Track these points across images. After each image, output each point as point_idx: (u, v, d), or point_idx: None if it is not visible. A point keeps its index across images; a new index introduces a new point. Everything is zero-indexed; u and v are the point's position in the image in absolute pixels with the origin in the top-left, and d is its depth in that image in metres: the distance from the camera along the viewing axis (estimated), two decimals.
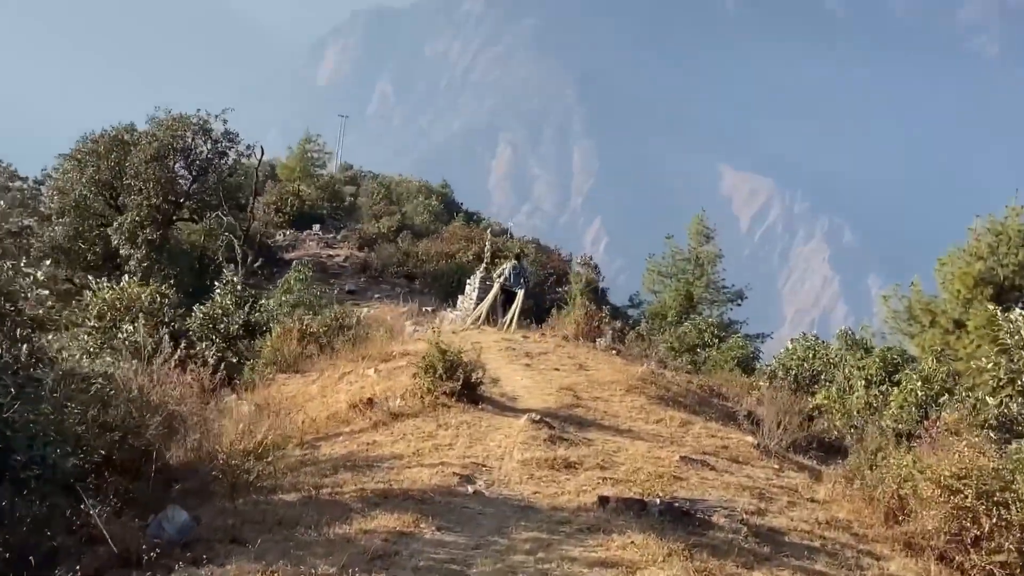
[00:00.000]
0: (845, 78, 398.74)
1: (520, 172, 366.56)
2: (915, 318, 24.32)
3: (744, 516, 8.74)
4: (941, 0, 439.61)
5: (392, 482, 8.98)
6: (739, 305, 41.89)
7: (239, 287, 20.06)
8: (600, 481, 9.44)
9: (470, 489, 8.99)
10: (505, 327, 20.41)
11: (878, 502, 9.88)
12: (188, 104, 35.88)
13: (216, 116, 34.70)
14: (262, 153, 35.72)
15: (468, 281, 30.89)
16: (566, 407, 12.70)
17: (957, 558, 9.32)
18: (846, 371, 21.25)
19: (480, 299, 29.69)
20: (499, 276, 24.28)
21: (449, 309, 31.48)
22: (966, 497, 9.41)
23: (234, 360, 17.73)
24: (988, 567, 9.17)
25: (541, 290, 37.15)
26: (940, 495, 9.52)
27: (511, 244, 41.65)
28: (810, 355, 23.15)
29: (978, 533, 9.33)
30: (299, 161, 57.89)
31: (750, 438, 12.48)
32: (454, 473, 9.31)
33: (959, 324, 23.40)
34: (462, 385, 12.02)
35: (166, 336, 14.24)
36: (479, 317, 22.57)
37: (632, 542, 7.68)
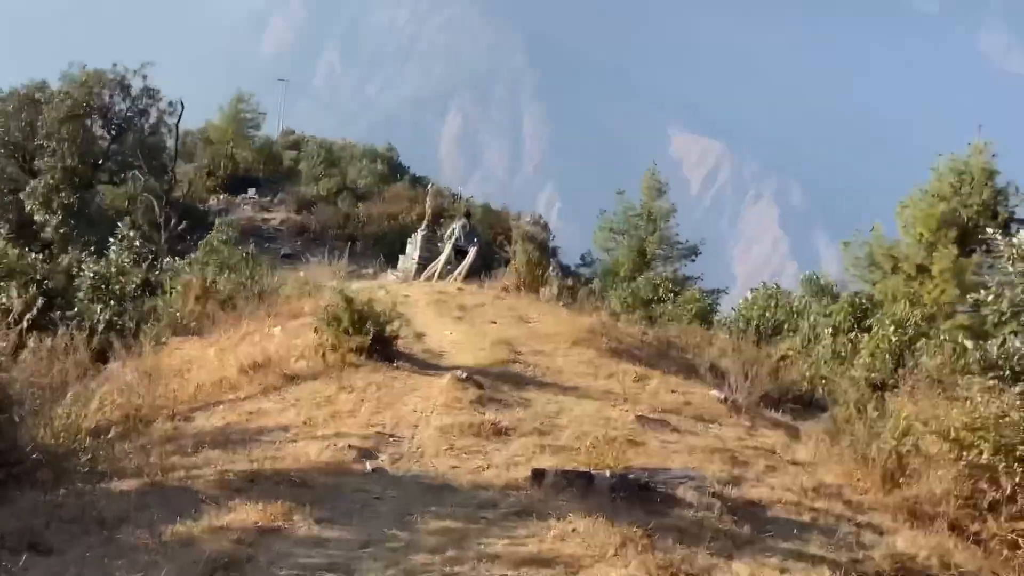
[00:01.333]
0: (792, 42, 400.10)
1: (471, 139, 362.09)
2: (876, 264, 22.93)
3: (716, 487, 6.89)
4: None
5: (267, 461, 6.93)
6: (693, 261, 40.47)
7: (136, 243, 17.67)
8: (537, 450, 7.52)
9: (369, 466, 6.99)
10: (456, 281, 18.97)
11: (873, 463, 8.12)
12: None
13: (135, 72, 32.18)
14: (182, 108, 32.94)
15: (409, 240, 28.87)
16: (501, 363, 10.76)
17: (971, 527, 7.64)
18: (811, 319, 19.68)
19: (423, 258, 27.86)
20: (450, 236, 23.24)
21: (390, 271, 29.52)
22: (981, 453, 7.70)
23: (131, 324, 15.51)
24: (1010, 536, 7.49)
25: (490, 250, 35.42)
26: (950, 451, 7.80)
27: (458, 205, 39.59)
28: (772, 304, 21.61)
29: (997, 496, 7.64)
30: (231, 123, 54.64)
31: (715, 392, 10.66)
32: (351, 446, 7.30)
33: (922, 269, 22.08)
34: (373, 340, 9.99)
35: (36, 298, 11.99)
36: (431, 276, 21.35)
37: (574, 529, 5.78)
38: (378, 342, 10.05)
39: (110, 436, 7.21)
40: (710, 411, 10.02)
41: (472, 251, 20.60)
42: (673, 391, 10.54)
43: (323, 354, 9.93)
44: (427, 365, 10.39)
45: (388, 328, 10.27)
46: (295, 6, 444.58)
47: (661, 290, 28.34)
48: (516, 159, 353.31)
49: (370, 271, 31.62)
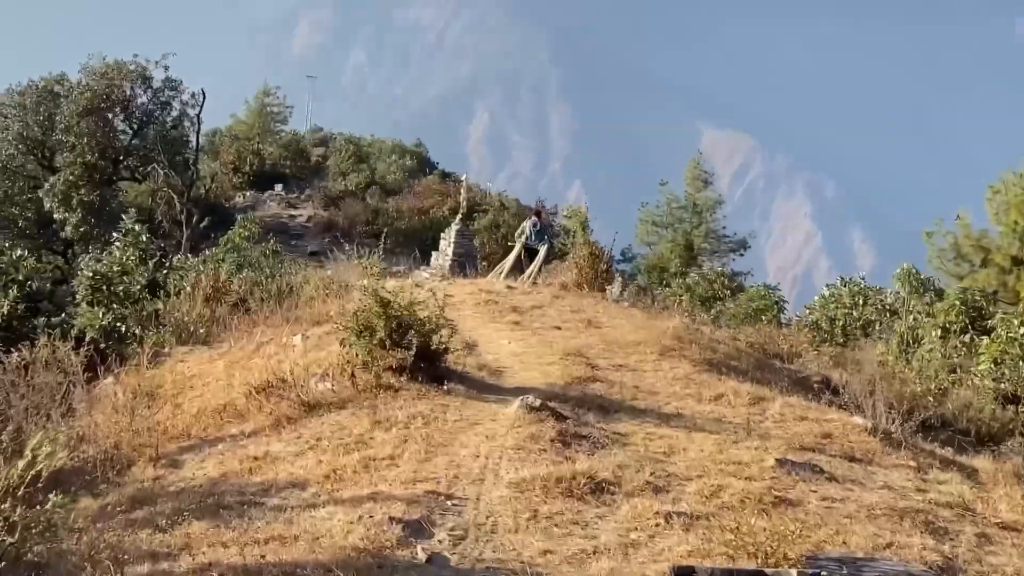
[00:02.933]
0: (821, 35, 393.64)
1: (498, 137, 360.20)
2: (963, 256, 20.37)
3: None
4: None
5: (270, 545, 4.64)
6: (742, 255, 37.88)
7: (143, 237, 15.50)
8: (658, 521, 5.16)
9: (421, 552, 4.68)
10: (525, 283, 16.99)
11: None
12: None
13: (156, 62, 30.53)
14: (203, 98, 30.97)
15: (443, 235, 26.63)
16: (578, 382, 8.41)
17: None
18: (911, 319, 17.00)
19: (457, 254, 25.78)
20: (520, 235, 21.63)
21: (422, 268, 27.35)
22: None
23: (135, 330, 13.39)
24: None
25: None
26: None
27: (490, 199, 37.40)
28: (859, 301, 18.98)
29: None
30: (257, 117, 52.80)
31: (858, 419, 8.24)
32: (392, 518, 4.99)
33: (1018, 261, 19.49)
34: (417, 355, 7.68)
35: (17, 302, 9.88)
36: (501, 274, 19.63)
37: None
38: (423, 357, 7.75)
39: (55, 501, 4.97)
40: (859, 446, 7.61)
41: (543, 250, 18.65)
42: (802, 418, 8.13)
43: (352, 374, 7.64)
44: (486, 387, 8.06)
45: (435, 339, 7.97)
46: (323, 8, 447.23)
47: (717, 287, 25.84)
48: (543, 156, 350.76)
49: (401, 269, 29.53)
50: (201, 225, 29.98)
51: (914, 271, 18.17)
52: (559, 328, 10.78)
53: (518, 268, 17.84)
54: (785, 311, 23.98)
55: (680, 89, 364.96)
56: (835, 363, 11.60)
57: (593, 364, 9.07)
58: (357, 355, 7.74)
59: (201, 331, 11.90)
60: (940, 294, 17.45)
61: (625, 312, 11.95)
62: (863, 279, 19.97)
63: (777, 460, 6.58)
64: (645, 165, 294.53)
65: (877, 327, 18.13)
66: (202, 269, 16.25)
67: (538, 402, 7.08)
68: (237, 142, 48.94)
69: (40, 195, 27.86)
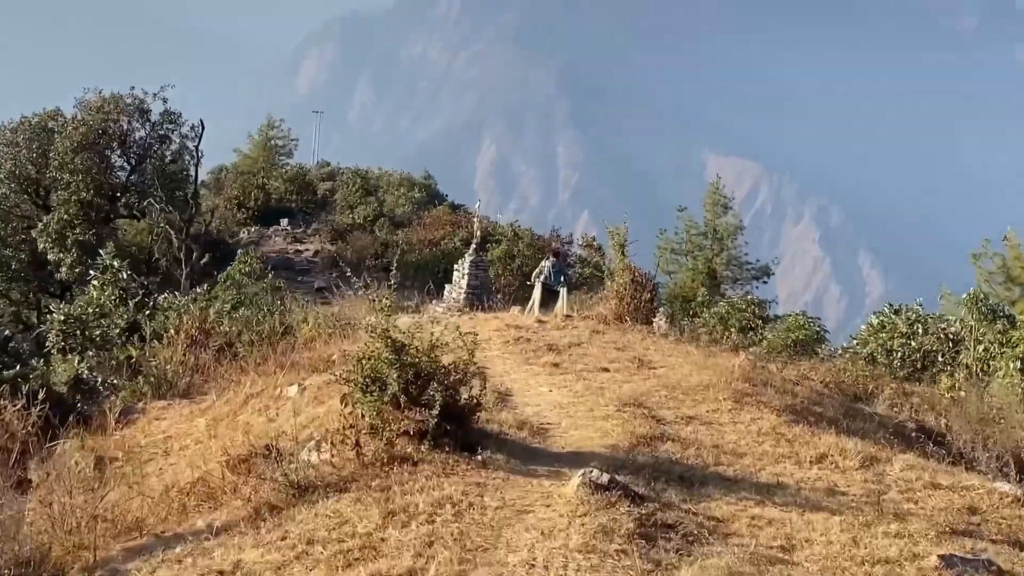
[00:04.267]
0: (825, 63, 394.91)
1: (506, 169, 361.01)
2: (1014, 279, 18.61)
3: None
4: None
5: None
6: (765, 283, 36.07)
7: (124, 274, 13.84)
8: None
9: None
10: (558, 317, 15.80)
11: None
12: None
13: (155, 95, 29.54)
14: (202, 128, 29.60)
15: (456, 267, 25.02)
16: (644, 442, 6.59)
17: None
18: (981, 349, 15.15)
19: (472, 287, 24.28)
20: (538, 275, 20.93)
21: (435, 302, 25.68)
22: None
23: (112, 380, 11.68)
24: None
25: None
26: None
27: (502, 229, 35.86)
28: (918, 330, 17.10)
29: None
30: (262, 150, 51.55)
31: (1003, 486, 6.41)
32: None
33: None
34: (441, 415, 5.87)
35: None
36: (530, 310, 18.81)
37: None
38: (448, 417, 5.94)
39: None
40: (1018, 524, 5.78)
41: (563, 291, 17.74)
42: (934, 485, 6.30)
43: (356, 441, 5.83)
44: (530, 452, 6.23)
45: (463, 392, 6.18)
46: (329, 45, 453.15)
47: (749, 316, 23.93)
48: (551, 187, 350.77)
49: (413, 303, 27.90)
50: (202, 262, 28.61)
51: (982, 296, 16.23)
52: (607, 370, 8.96)
53: (544, 307, 16.63)
54: (827, 341, 22.16)
55: (686, 116, 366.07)
56: (927, 405, 9.74)
57: (658, 417, 7.27)
58: (363, 416, 5.94)
59: (183, 381, 10.17)
60: (1012, 321, 15.53)
61: (678, 348, 10.16)
62: (920, 305, 18.11)
63: (940, 557, 4.76)
64: (653, 193, 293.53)
65: (939, 358, 16.30)
66: (191, 308, 14.58)
67: (605, 477, 5.29)
68: (241, 176, 47.72)
69: (34, 235, 26.77)
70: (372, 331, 6.14)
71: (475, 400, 6.30)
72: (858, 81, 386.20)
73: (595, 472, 5.38)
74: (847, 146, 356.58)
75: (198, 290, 20.01)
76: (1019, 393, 12.92)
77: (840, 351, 19.70)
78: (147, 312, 13.57)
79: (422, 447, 5.89)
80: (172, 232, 29.36)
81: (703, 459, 6.38)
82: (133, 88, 29.71)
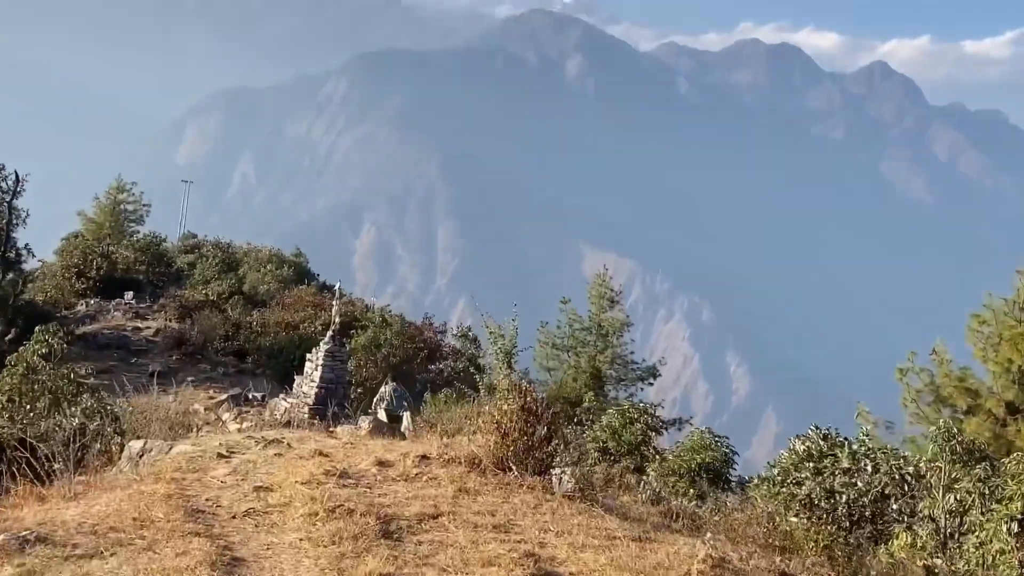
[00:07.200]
0: (699, 161, 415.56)
1: (385, 252, 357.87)
2: (944, 399, 16.77)
3: None
4: (788, 89, 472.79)
5: None
6: (651, 384, 33.61)
7: None
8: None
9: None
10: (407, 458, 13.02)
11: None
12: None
13: None
14: (17, 180, 25.66)
15: (308, 356, 21.77)
16: None
17: None
18: (951, 499, 10.70)
19: (325, 379, 21.14)
20: (379, 400, 19.87)
21: (283, 395, 22.22)
22: None
23: None
24: None
25: (410, 368, 28.63)
26: None
27: (371, 315, 32.57)
28: (865, 467, 11.90)
29: None
30: (108, 216, 46.87)
31: None
32: None
33: (1014, 409, 16.08)
34: None
35: None
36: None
37: None
38: None
39: None
40: None
41: (405, 416, 16.00)
42: None
43: None
44: None
45: None
46: (214, 117, 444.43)
47: (640, 428, 20.10)
48: (430, 273, 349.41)
49: (262, 393, 24.28)
50: (6, 338, 24.37)
51: (954, 431, 12.72)
52: None
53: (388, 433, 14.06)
54: (736, 467, 18.68)
55: (565, 211, 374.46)
56: None
57: None
58: None
59: None
60: (992, 464, 11.77)
61: (594, 527, 7.18)
62: (867, 436, 13.80)
63: None
64: (532, 283, 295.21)
65: (894, 505, 11.64)
66: None
67: None
68: (84, 243, 42.98)
69: None
70: None
71: None
72: (733, 182, 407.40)
73: None
74: (720, 246, 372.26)
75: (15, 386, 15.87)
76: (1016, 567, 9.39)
77: (756, 482, 15.50)
78: None
79: None
80: None
81: None
82: None
